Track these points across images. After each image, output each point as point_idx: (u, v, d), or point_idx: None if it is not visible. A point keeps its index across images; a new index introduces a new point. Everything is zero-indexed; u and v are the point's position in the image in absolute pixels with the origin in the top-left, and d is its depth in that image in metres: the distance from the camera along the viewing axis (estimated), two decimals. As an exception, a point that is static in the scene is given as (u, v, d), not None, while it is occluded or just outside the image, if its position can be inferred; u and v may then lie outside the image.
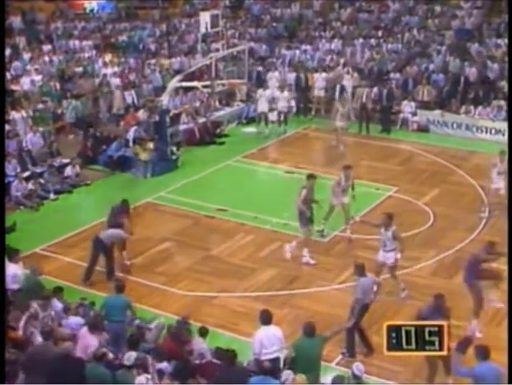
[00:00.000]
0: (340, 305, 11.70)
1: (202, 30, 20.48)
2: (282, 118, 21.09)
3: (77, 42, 28.56)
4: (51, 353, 8.32)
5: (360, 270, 10.41)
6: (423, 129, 21.39)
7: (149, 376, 8.07)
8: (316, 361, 8.79)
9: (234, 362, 8.38)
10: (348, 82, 22.53)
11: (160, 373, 8.26)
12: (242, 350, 9.05)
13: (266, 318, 9.01)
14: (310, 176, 13.47)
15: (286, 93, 21.37)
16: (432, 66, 23.58)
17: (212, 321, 10.71)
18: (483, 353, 8.10)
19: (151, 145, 18.06)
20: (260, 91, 21.46)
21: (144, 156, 17.73)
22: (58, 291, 10.42)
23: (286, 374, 8.28)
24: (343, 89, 21.95)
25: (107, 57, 26.18)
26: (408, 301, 11.82)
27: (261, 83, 23.56)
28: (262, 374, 8.29)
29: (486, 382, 7.93)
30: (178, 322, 9.67)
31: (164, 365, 8.47)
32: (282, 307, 11.57)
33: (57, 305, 10.11)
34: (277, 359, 8.91)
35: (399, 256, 11.76)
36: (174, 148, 18.63)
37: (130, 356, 8.21)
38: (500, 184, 14.88)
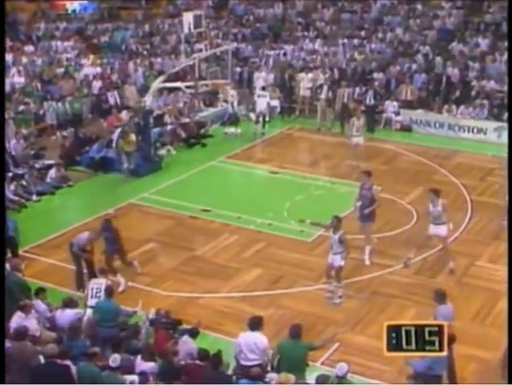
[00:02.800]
0: (325, 305, 11.74)
1: (185, 30, 20.45)
2: (260, 119, 20.90)
3: (59, 43, 28.37)
4: (28, 353, 8.25)
5: (440, 297, 9.55)
6: (406, 129, 21.47)
7: (136, 377, 8.03)
8: (300, 364, 8.65)
9: (218, 366, 8.32)
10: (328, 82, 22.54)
11: (146, 374, 8.21)
12: (227, 351, 9.02)
13: (253, 324, 8.87)
14: (365, 173, 13.58)
15: (265, 93, 21.39)
16: (414, 66, 23.71)
17: (197, 321, 10.66)
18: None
19: (133, 137, 17.90)
20: (232, 91, 21.64)
21: (127, 147, 17.55)
22: (40, 292, 10.33)
23: (270, 377, 8.25)
24: (330, 89, 21.92)
25: (90, 58, 26.04)
26: (393, 300, 11.88)
27: (243, 83, 23.63)
28: (247, 378, 8.27)
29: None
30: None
31: (150, 365, 8.43)
32: (266, 307, 11.56)
33: (40, 306, 10.03)
34: (259, 365, 8.64)
35: (342, 263, 11.61)
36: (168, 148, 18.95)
37: (115, 358, 8.16)
38: None
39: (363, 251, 13.09)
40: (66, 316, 9.81)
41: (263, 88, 22.10)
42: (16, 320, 9.29)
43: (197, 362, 8.52)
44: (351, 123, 17.95)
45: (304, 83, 22.77)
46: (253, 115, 21.48)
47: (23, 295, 10.06)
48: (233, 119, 22.05)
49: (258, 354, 8.70)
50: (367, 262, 13.03)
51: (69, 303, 10.05)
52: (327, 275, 11.91)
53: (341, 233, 11.58)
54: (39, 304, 10.03)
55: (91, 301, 10.33)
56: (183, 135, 20.37)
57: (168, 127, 20.41)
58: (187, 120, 21.14)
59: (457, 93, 21.92)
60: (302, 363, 8.73)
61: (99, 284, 10.55)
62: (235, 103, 22.23)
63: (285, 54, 26.24)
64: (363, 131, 17.88)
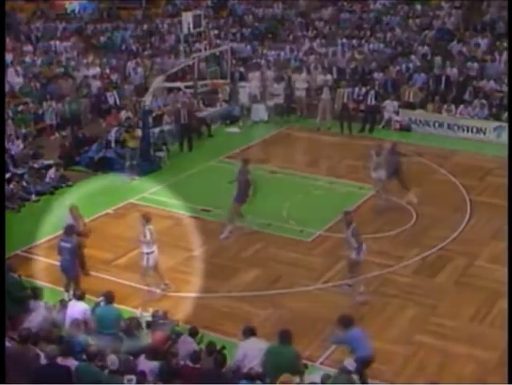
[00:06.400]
0: (324, 305, 11.73)
1: (185, 30, 20.46)
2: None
3: (58, 43, 28.34)
4: (30, 356, 8.25)
5: None
6: (405, 128, 21.48)
7: (133, 376, 8.02)
8: (288, 369, 8.28)
9: (223, 365, 8.31)
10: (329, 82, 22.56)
11: (144, 374, 8.20)
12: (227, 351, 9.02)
13: (249, 331, 8.89)
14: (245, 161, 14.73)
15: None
16: (413, 66, 23.69)
17: (196, 321, 10.66)
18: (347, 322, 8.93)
19: (139, 132, 17.89)
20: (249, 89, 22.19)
21: (132, 143, 17.52)
22: (37, 292, 10.30)
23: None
24: (331, 89, 21.89)
25: (89, 58, 26.03)
26: (392, 299, 11.88)
27: (239, 82, 23.73)
28: (247, 378, 8.25)
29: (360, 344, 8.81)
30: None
31: (152, 365, 8.42)
32: (265, 307, 11.57)
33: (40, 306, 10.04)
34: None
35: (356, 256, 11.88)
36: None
37: (113, 360, 8.14)
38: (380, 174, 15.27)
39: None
40: (76, 309, 9.85)
41: (276, 81, 22.77)
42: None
43: (190, 363, 8.46)
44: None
45: (299, 83, 22.76)
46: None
47: (21, 296, 10.06)
48: (236, 118, 22.12)
49: (260, 357, 8.64)
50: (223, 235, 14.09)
51: (82, 297, 10.11)
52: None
53: (353, 226, 11.71)
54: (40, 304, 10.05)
55: (153, 247, 11.73)
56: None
57: (166, 128, 20.37)
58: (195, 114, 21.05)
59: (456, 93, 21.92)
60: (290, 368, 8.48)
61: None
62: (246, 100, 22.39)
63: (288, 51, 26.22)
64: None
